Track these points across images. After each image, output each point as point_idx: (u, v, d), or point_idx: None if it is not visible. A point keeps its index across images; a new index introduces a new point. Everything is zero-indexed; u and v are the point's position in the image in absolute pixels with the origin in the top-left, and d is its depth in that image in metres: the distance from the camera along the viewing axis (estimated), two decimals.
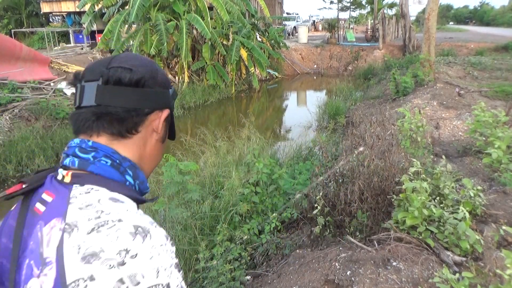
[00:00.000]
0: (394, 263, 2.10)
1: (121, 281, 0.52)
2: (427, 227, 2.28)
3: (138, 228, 0.58)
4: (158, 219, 3.84)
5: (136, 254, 0.55)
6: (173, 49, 12.41)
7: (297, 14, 33.25)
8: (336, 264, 2.27)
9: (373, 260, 2.16)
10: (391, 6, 27.24)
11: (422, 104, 6.71)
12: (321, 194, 2.93)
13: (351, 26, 31.54)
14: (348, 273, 2.13)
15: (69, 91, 9.95)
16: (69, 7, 18.07)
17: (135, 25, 12.84)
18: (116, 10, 12.43)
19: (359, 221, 2.76)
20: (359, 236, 2.69)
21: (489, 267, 2.03)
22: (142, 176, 0.73)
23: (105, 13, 12.94)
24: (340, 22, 23.56)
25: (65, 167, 0.69)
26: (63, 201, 0.63)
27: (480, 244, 2.20)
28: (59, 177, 0.68)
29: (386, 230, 2.49)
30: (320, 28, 33.54)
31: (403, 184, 2.34)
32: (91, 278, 0.52)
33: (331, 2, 28.57)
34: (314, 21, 38.13)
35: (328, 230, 2.91)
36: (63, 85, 10.13)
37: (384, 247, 2.29)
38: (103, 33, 11.62)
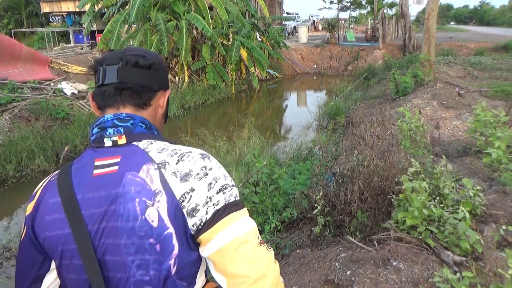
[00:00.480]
0: (394, 263, 2.10)
1: (210, 184, 0.80)
2: (427, 227, 2.28)
3: (202, 154, 0.85)
4: None
5: (211, 168, 0.82)
6: (173, 49, 12.41)
7: (297, 14, 33.23)
8: (336, 264, 2.27)
9: (373, 260, 2.16)
10: (391, 6, 27.25)
11: (422, 104, 6.71)
12: (321, 194, 2.93)
13: (351, 26, 31.53)
14: (348, 273, 2.13)
15: (69, 91, 9.95)
16: (69, 7, 18.07)
17: (135, 25, 12.84)
18: (116, 10, 12.42)
19: (359, 221, 2.76)
20: (359, 236, 2.69)
21: (489, 267, 2.03)
22: None
23: (105, 13, 12.94)
24: (340, 22, 23.56)
25: (107, 136, 0.84)
26: (137, 153, 0.81)
27: (480, 244, 2.20)
28: (109, 144, 0.83)
29: (386, 230, 2.49)
30: (320, 28, 33.53)
31: (403, 184, 2.34)
32: (192, 190, 0.78)
33: (331, 2, 28.58)
34: (314, 21, 38.12)
35: (328, 230, 2.91)
36: (63, 85, 10.13)
37: (384, 247, 2.29)
38: (103, 33, 11.61)
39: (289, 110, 12.73)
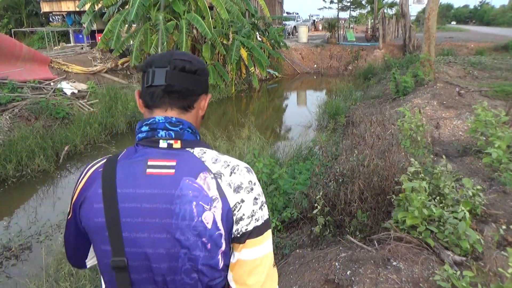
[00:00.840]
0: (394, 263, 2.10)
1: (255, 199, 0.92)
2: (427, 226, 2.28)
3: (247, 167, 0.96)
4: None
5: (255, 183, 0.94)
6: (173, 48, 12.40)
7: (297, 13, 33.22)
8: (336, 263, 2.27)
9: (373, 260, 2.16)
10: (391, 5, 27.23)
11: (422, 103, 6.71)
12: (321, 193, 2.93)
13: (351, 25, 31.52)
14: (348, 272, 2.13)
15: (69, 90, 9.94)
16: (69, 6, 18.05)
17: (135, 25, 12.83)
18: (116, 9, 12.42)
19: (359, 221, 2.76)
20: (359, 236, 2.69)
21: (489, 267, 2.03)
22: None
23: (105, 12, 12.93)
24: (340, 21, 23.54)
25: (162, 138, 0.92)
26: (193, 160, 0.91)
27: (480, 244, 2.19)
28: (164, 145, 0.92)
29: (386, 230, 2.49)
30: (320, 27, 33.52)
31: (403, 183, 2.34)
32: (242, 201, 0.90)
33: (331, 2, 28.56)
34: (314, 20, 38.10)
35: (328, 230, 2.91)
36: (63, 84, 10.12)
37: (384, 246, 2.29)
38: (103, 32, 11.61)
39: (289, 110, 12.73)
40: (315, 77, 17.78)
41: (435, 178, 2.62)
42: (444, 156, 3.05)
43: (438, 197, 2.47)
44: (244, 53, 12.95)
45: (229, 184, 0.90)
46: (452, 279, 1.77)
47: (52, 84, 10.04)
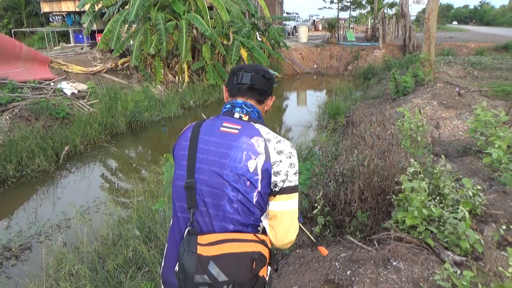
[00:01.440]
0: (394, 263, 2.10)
1: (291, 165, 1.27)
2: (427, 227, 2.28)
3: (291, 145, 1.31)
4: (158, 219, 3.84)
5: (294, 155, 1.29)
6: (173, 49, 12.40)
7: (297, 13, 33.22)
8: (336, 263, 2.27)
9: (373, 260, 2.16)
10: (391, 5, 27.22)
11: (422, 103, 6.71)
12: (321, 194, 2.93)
13: (351, 25, 31.53)
14: (348, 272, 2.13)
15: (69, 91, 9.94)
16: (69, 7, 18.04)
17: (135, 25, 12.83)
18: (116, 10, 12.41)
19: (359, 221, 2.76)
20: (359, 236, 2.69)
21: (489, 267, 2.03)
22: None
23: (105, 13, 12.92)
24: (340, 21, 23.54)
25: (236, 112, 1.35)
26: (253, 129, 1.29)
27: (480, 244, 2.19)
28: (237, 116, 1.34)
29: (386, 230, 2.49)
30: (320, 27, 33.52)
31: (402, 183, 2.34)
32: (280, 161, 1.24)
33: (331, 2, 28.56)
34: (314, 20, 38.10)
35: (328, 230, 2.91)
36: (63, 85, 10.12)
37: (384, 247, 2.29)
38: (103, 33, 11.60)
39: (289, 109, 12.74)
40: (315, 77, 17.77)
41: (435, 178, 2.63)
42: (444, 156, 3.05)
43: (438, 197, 2.47)
44: (244, 53, 12.95)
45: (274, 147, 1.26)
46: (452, 278, 1.77)
47: (52, 84, 10.04)
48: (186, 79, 12.72)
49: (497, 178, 3.40)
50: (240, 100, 1.37)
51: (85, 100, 9.82)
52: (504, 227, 2.33)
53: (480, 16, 69.01)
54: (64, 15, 19.42)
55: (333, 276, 2.16)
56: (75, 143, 7.47)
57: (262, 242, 1.23)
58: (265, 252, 1.23)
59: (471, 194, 2.47)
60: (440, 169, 2.64)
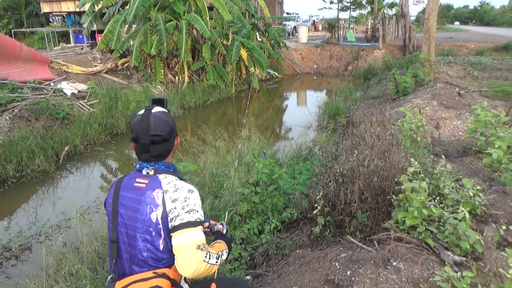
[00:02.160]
0: (394, 263, 2.10)
1: (183, 206, 1.44)
2: (427, 227, 2.28)
3: (189, 189, 1.49)
4: None
5: (190, 197, 1.47)
6: (173, 49, 12.40)
7: (297, 14, 33.22)
8: (336, 264, 2.27)
9: (373, 260, 2.16)
10: (391, 6, 27.21)
11: (422, 104, 6.71)
12: (321, 194, 2.93)
13: (351, 26, 31.53)
14: (348, 273, 2.13)
15: (69, 91, 9.94)
16: (69, 7, 18.05)
17: (135, 25, 12.83)
18: (116, 10, 12.41)
19: (359, 221, 2.76)
20: (359, 236, 2.69)
21: (489, 267, 2.03)
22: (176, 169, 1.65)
23: (105, 13, 12.93)
24: (340, 22, 23.55)
25: (143, 169, 1.56)
26: (156, 181, 1.49)
27: (480, 244, 2.19)
28: (144, 173, 1.54)
29: (386, 230, 2.49)
30: (320, 28, 33.52)
31: (403, 184, 2.34)
32: (175, 208, 1.43)
33: (331, 2, 28.55)
34: (314, 21, 38.11)
35: (328, 230, 2.90)
36: (63, 85, 10.12)
37: (384, 247, 2.29)
38: (103, 33, 11.61)
39: (289, 110, 12.73)
40: (315, 77, 17.78)
41: (435, 178, 2.62)
42: (444, 156, 3.05)
43: (438, 198, 2.47)
44: (244, 53, 12.95)
45: (170, 197, 1.45)
46: (452, 280, 1.77)
47: (52, 84, 10.04)
48: (186, 79, 12.72)
49: (497, 178, 3.40)
50: (144, 162, 1.55)
51: (85, 100, 9.82)
52: (504, 227, 2.32)
53: (480, 16, 69.03)
54: (64, 15, 19.43)
55: (333, 276, 2.16)
56: (75, 143, 7.47)
57: (162, 276, 1.45)
58: (164, 284, 1.44)
59: (471, 194, 2.47)
60: (440, 169, 2.64)
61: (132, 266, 1.49)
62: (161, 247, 1.46)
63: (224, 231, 1.79)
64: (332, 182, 3.17)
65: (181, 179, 1.57)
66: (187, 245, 1.39)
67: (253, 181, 3.55)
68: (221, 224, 1.83)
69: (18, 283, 3.54)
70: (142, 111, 1.56)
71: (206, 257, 1.42)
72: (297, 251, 2.83)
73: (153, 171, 1.52)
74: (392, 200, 2.51)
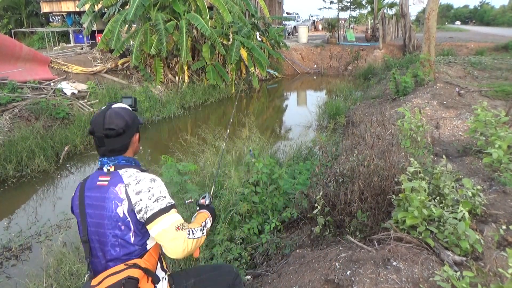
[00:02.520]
0: (394, 263, 2.10)
1: (150, 197, 1.48)
2: (427, 227, 2.28)
3: (151, 178, 1.54)
4: None
5: (153, 186, 1.52)
6: (173, 49, 12.40)
7: (297, 14, 33.22)
8: (336, 264, 2.27)
9: (373, 260, 2.16)
10: (391, 6, 27.19)
11: (422, 104, 6.71)
12: (321, 194, 2.93)
13: (351, 26, 31.53)
14: (348, 273, 2.13)
15: (69, 91, 9.94)
16: (69, 7, 18.05)
17: (135, 25, 12.82)
18: (116, 10, 12.40)
19: (359, 221, 2.76)
20: (359, 236, 2.69)
21: (489, 267, 2.03)
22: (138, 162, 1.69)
23: (105, 13, 12.92)
24: (340, 22, 23.54)
25: (104, 166, 1.57)
26: (117, 177, 1.52)
27: (480, 244, 2.19)
28: (105, 170, 1.55)
29: (386, 230, 2.49)
30: (320, 28, 33.51)
31: (402, 184, 2.34)
32: (140, 200, 1.47)
33: (331, 2, 28.54)
34: (314, 21, 38.10)
35: (328, 230, 2.90)
36: (63, 85, 10.12)
37: (384, 247, 2.29)
38: (103, 33, 11.60)
39: (289, 110, 12.73)
40: (315, 77, 17.77)
41: (435, 178, 2.62)
42: (444, 156, 3.05)
43: (438, 197, 2.47)
44: (244, 53, 12.95)
45: (133, 190, 1.49)
46: (452, 280, 1.77)
47: (52, 84, 10.04)
48: (186, 79, 12.71)
49: (497, 178, 3.40)
50: (104, 158, 1.57)
51: (85, 100, 9.81)
52: (504, 227, 2.32)
53: (480, 16, 69.02)
54: (64, 15, 19.43)
55: (333, 276, 2.16)
56: (75, 143, 7.47)
57: (132, 267, 1.48)
58: (134, 273, 1.47)
59: (471, 194, 2.47)
60: (440, 169, 2.64)
61: (108, 263, 1.51)
62: (132, 240, 1.50)
63: (207, 202, 1.86)
64: (332, 182, 3.17)
65: (143, 171, 1.59)
66: (166, 231, 1.45)
67: (253, 181, 3.55)
68: (204, 197, 1.89)
69: (18, 282, 3.54)
70: (104, 106, 1.61)
71: (188, 234, 1.49)
72: (297, 251, 2.83)
73: (113, 167, 1.54)
74: (392, 200, 2.51)
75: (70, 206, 1.61)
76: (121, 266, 1.48)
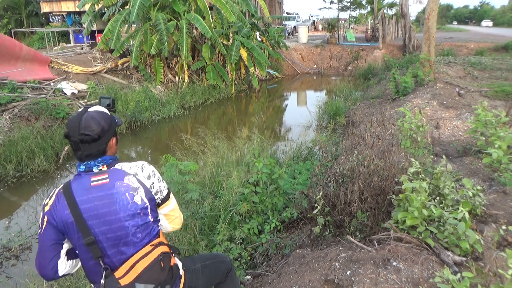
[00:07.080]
0: (394, 263, 2.10)
1: (158, 179, 1.64)
2: (427, 227, 2.28)
3: (146, 162, 1.64)
4: None
5: (153, 168, 1.65)
6: (173, 49, 12.39)
7: (297, 14, 33.22)
8: (336, 264, 2.27)
9: (373, 260, 2.16)
10: (391, 6, 27.22)
11: (422, 104, 6.71)
12: (321, 194, 2.93)
13: (351, 26, 31.55)
14: (348, 273, 2.13)
15: (69, 90, 9.94)
16: (69, 7, 18.05)
17: (135, 25, 12.82)
18: (117, 10, 12.40)
19: (359, 221, 2.76)
20: (359, 236, 2.69)
21: (489, 267, 2.03)
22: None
23: (105, 13, 12.92)
24: (340, 22, 23.55)
25: (94, 166, 1.54)
26: (118, 172, 1.54)
27: (480, 244, 2.19)
28: (97, 170, 1.53)
29: (386, 230, 2.49)
30: (320, 28, 33.53)
31: (403, 184, 2.34)
32: (153, 183, 1.61)
33: (331, 2, 28.57)
34: (314, 21, 38.12)
35: (328, 230, 2.90)
36: (63, 84, 10.12)
37: (384, 247, 2.29)
38: (103, 33, 11.60)
39: (289, 110, 12.73)
40: (315, 77, 17.77)
41: (435, 178, 2.62)
42: (444, 156, 3.05)
43: (438, 198, 2.47)
44: (244, 53, 12.95)
45: (143, 176, 1.57)
46: (452, 283, 1.77)
47: (52, 84, 10.04)
48: (186, 79, 12.71)
49: (497, 178, 3.40)
50: (90, 161, 1.53)
51: (85, 100, 9.81)
52: (504, 227, 2.32)
53: (480, 17, 69.03)
54: (64, 15, 19.43)
55: (333, 276, 2.16)
56: None
57: (159, 244, 1.59)
58: (164, 249, 1.61)
59: (471, 194, 2.47)
60: (440, 169, 2.64)
61: (127, 252, 1.52)
62: (151, 219, 1.58)
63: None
64: (332, 182, 3.17)
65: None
66: (174, 210, 1.73)
67: (253, 181, 3.55)
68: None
69: (18, 282, 3.54)
70: (80, 109, 1.57)
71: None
72: (297, 251, 2.83)
73: (105, 166, 1.54)
74: (392, 200, 2.51)
75: (48, 221, 1.48)
76: (148, 248, 1.55)
